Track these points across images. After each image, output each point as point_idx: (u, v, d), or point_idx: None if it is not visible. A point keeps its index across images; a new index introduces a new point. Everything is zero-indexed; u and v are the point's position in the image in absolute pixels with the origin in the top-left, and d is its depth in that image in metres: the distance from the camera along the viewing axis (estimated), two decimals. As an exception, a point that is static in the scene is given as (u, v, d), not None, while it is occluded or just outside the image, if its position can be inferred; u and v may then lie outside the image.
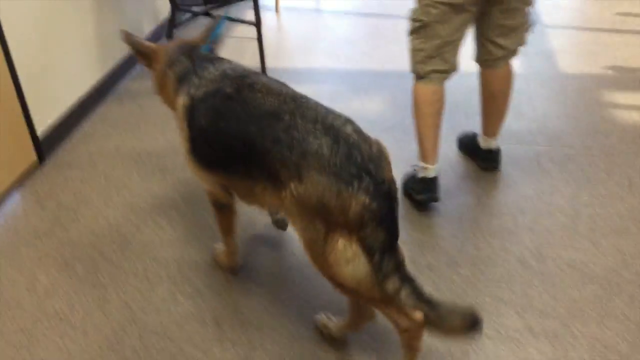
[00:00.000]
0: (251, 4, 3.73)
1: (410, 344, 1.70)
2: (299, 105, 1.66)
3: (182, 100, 1.90)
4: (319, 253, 1.62)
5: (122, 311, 2.09)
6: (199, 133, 1.84)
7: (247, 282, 2.22)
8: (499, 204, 2.62)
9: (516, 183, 2.74)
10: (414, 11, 2.35)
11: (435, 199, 2.55)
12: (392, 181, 1.61)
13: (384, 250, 1.56)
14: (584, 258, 2.29)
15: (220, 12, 3.92)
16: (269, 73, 3.60)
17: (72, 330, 2.01)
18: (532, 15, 2.43)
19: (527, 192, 2.68)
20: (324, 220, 1.55)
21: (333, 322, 1.95)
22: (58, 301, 2.14)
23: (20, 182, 2.81)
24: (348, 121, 1.65)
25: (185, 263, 2.31)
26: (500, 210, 2.58)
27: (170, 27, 3.77)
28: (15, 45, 2.71)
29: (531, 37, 2.55)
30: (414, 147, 2.63)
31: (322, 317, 1.98)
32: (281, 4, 5.25)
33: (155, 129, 3.28)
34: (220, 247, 2.27)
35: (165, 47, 2.09)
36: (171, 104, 2.01)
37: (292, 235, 2.00)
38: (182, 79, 1.93)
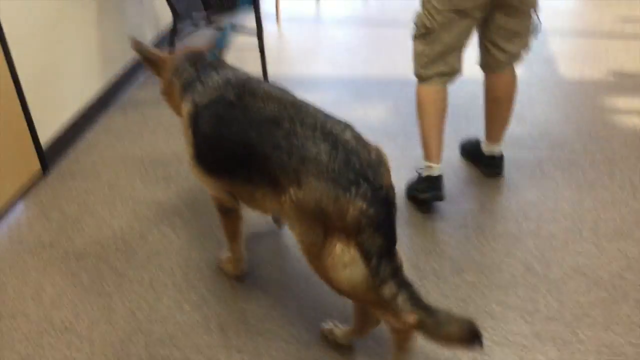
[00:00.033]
0: (252, 13, 3.75)
1: (400, 345, 1.72)
2: (299, 111, 1.69)
3: (186, 108, 1.94)
4: (316, 257, 1.64)
5: (128, 320, 2.09)
6: (202, 139, 1.88)
7: (252, 289, 2.22)
8: (503, 210, 2.62)
9: (519, 188, 2.74)
10: (419, 16, 2.36)
11: (440, 197, 2.55)
12: (390, 187, 1.63)
13: (381, 255, 1.57)
14: (589, 262, 2.29)
15: (222, 20, 3.93)
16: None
17: (78, 339, 2.01)
18: (536, 20, 2.43)
19: (530, 197, 2.68)
20: (322, 225, 1.57)
21: (339, 328, 1.95)
22: (64, 311, 2.14)
23: (24, 192, 2.82)
24: (347, 127, 1.67)
25: (191, 271, 2.31)
26: (504, 216, 2.58)
27: (172, 35, 3.78)
28: (18, 55, 2.73)
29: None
30: (417, 153, 2.64)
31: (328, 324, 1.98)
32: (281, 13, 5.27)
33: (159, 138, 3.29)
34: (225, 254, 2.28)
35: (172, 55, 2.13)
36: (178, 111, 2.06)
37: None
38: (187, 87, 1.97)
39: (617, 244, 2.38)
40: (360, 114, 3.48)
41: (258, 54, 3.86)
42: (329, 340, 1.96)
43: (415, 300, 1.61)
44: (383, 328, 1.86)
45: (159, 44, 4.32)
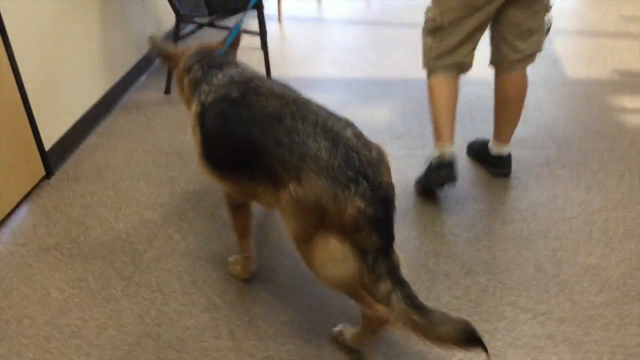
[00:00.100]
0: (255, 14, 3.72)
1: (370, 329, 1.82)
2: (300, 108, 1.71)
3: (194, 107, 1.98)
4: (308, 250, 1.68)
5: (137, 325, 2.06)
6: (208, 137, 1.91)
7: (260, 293, 2.20)
8: (512, 211, 2.60)
9: (528, 189, 2.72)
10: (430, 10, 2.34)
11: (454, 177, 2.52)
12: (390, 186, 1.65)
13: (378, 254, 1.60)
14: (600, 263, 2.27)
15: (224, 22, 3.91)
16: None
17: (86, 345, 1.99)
18: (549, 19, 2.41)
19: (539, 198, 2.66)
20: (319, 220, 1.59)
21: (349, 330, 1.93)
22: (71, 316, 2.11)
23: (28, 196, 2.80)
24: (349, 125, 1.69)
25: (198, 274, 2.29)
26: (513, 217, 2.56)
27: (175, 38, 3.76)
28: (22, 60, 2.71)
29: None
30: (423, 154, 2.63)
31: (337, 326, 1.97)
32: (283, 13, 5.25)
33: (162, 140, 3.27)
34: (233, 257, 2.28)
35: (185, 52, 2.18)
36: (187, 106, 2.10)
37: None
38: (195, 86, 2.01)
39: (628, 243, 2.36)
40: (365, 114, 3.45)
41: (261, 54, 3.84)
42: (339, 343, 1.95)
43: (410, 299, 1.61)
44: (394, 332, 1.85)
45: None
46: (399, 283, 1.62)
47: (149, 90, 3.90)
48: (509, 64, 2.50)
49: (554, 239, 2.41)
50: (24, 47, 2.73)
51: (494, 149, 2.76)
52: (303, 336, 2.00)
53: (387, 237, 1.63)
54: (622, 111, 3.41)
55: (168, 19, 4.21)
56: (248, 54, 4.04)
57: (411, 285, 1.65)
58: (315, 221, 1.60)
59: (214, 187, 2.73)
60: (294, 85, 1.96)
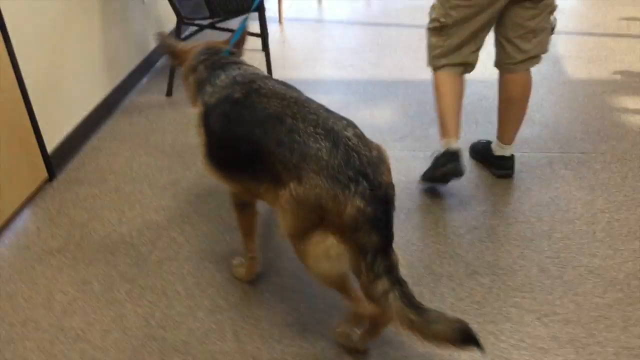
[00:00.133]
0: (256, 16, 3.73)
1: (354, 320, 1.86)
2: (301, 108, 1.73)
3: (198, 108, 2.00)
4: (302, 244, 1.69)
5: (142, 328, 2.06)
6: (212, 138, 1.93)
7: (265, 295, 2.20)
8: (515, 212, 2.60)
9: (531, 190, 2.73)
10: (435, 9, 2.34)
11: (460, 171, 2.53)
12: (389, 185, 1.66)
13: (377, 253, 1.60)
14: (604, 263, 2.27)
15: (225, 24, 3.91)
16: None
17: (91, 348, 1.99)
18: (553, 19, 2.41)
19: (542, 198, 2.66)
20: (318, 219, 1.61)
21: (353, 332, 1.93)
22: (76, 319, 2.11)
23: (31, 199, 2.79)
24: (349, 125, 1.70)
25: (202, 277, 2.29)
26: (516, 218, 2.56)
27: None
28: (24, 62, 2.71)
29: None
30: (425, 155, 2.62)
31: (342, 328, 1.96)
32: (284, 14, 5.25)
33: (164, 142, 3.27)
34: (237, 259, 2.28)
35: (192, 50, 2.20)
36: (192, 103, 2.12)
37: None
38: (199, 86, 2.03)
39: (632, 244, 2.36)
40: (367, 116, 3.46)
41: (263, 56, 3.85)
42: (344, 345, 1.94)
43: (407, 298, 1.62)
44: (400, 334, 1.85)
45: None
46: (397, 282, 1.63)
47: (151, 92, 3.90)
48: (514, 65, 2.50)
49: (558, 240, 2.41)
50: (25, 50, 2.73)
51: (497, 149, 2.77)
52: (308, 338, 2.00)
53: (387, 236, 1.64)
54: (623, 111, 3.41)
55: (169, 20, 4.21)
56: (249, 55, 4.02)
57: (415, 286, 1.66)
58: (315, 220, 1.62)
59: (216, 189, 2.73)
60: (295, 85, 1.96)
